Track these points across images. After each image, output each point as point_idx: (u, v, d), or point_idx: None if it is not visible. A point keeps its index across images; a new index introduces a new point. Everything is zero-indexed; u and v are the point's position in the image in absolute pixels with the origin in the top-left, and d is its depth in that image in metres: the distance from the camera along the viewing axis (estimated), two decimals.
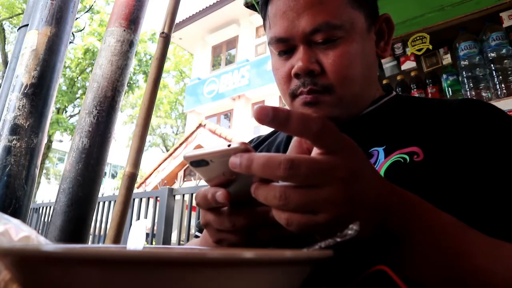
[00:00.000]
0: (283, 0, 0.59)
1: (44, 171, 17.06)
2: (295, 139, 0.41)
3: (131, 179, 1.15)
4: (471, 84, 1.54)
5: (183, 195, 3.21)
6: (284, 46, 0.60)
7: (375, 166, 0.55)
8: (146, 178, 9.51)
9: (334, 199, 0.33)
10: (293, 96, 0.61)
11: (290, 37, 0.59)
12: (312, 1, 0.57)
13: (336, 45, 0.57)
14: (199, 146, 8.83)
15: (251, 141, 0.81)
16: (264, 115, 0.32)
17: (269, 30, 0.62)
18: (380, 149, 0.56)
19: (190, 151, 0.36)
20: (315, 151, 0.35)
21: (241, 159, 0.33)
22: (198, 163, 0.37)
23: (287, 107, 0.65)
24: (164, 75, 16.98)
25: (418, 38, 1.66)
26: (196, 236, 0.72)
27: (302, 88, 0.59)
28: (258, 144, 0.78)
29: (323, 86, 0.58)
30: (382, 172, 0.54)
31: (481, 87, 1.52)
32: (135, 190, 5.09)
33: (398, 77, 1.79)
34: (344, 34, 0.57)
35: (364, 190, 0.34)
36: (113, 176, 23.00)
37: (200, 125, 9.13)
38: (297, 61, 0.58)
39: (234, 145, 0.34)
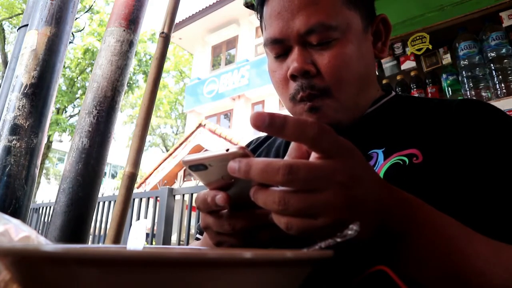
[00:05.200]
0: (278, 1, 0.58)
1: (44, 171, 17.06)
2: (294, 142, 0.41)
3: (131, 179, 1.15)
4: (471, 84, 1.54)
5: (183, 195, 3.21)
6: (279, 47, 0.60)
7: (374, 169, 0.55)
8: (146, 178, 9.51)
9: (333, 203, 0.33)
10: (294, 100, 0.60)
11: (285, 38, 0.58)
12: (307, 1, 0.56)
13: (331, 46, 0.57)
14: (199, 146, 8.83)
15: (250, 143, 0.81)
16: (261, 121, 0.32)
17: (265, 31, 0.62)
18: (379, 151, 0.56)
19: (188, 155, 0.36)
20: (314, 155, 0.35)
21: (240, 165, 0.33)
22: (196, 167, 0.37)
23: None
24: (164, 75, 16.99)
25: (418, 37, 1.66)
26: (197, 239, 0.72)
27: (301, 93, 0.58)
28: (257, 146, 0.77)
29: (320, 89, 0.57)
30: (381, 175, 0.53)
31: (481, 87, 1.52)
32: (135, 190, 5.09)
33: (398, 77, 1.79)
34: (339, 35, 0.57)
35: (364, 194, 0.34)
36: (113, 176, 23.00)
37: (200, 125, 9.12)
38: (292, 62, 0.58)
39: (233, 149, 0.34)
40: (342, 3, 0.58)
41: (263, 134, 0.81)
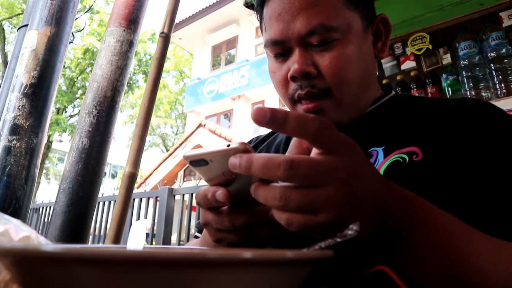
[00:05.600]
0: (278, 2, 0.58)
1: (44, 171, 17.06)
2: (295, 139, 0.41)
3: (131, 179, 1.15)
4: (471, 84, 1.54)
5: (183, 195, 3.21)
6: (280, 49, 0.60)
7: (374, 167, 0.55)
8: (146, 178, 9.51)
9: (334, 199, 0.33)
10: (293, 100, 0.60)
11: (285, 39, 0.58)
12: (307, 3, 0.56)
13: (332, 47, 0.57)
14: (199, 146, 8.83)
15: (250, 141, 0.81)
16: (262, 116, 0.32)
17: (265, 32, 0.62)
18: (379, 149, 0.56)
19: (189, 151, 0.37)
20: (315, 151, 0.35)
21: (241, 160, 0.33)
22: (197, 162, 0.37)
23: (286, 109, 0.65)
24: (164, 75, 16.99)
25: (418, 37, 1.66)
26: (196, 237, 0.72)
27: (300, 91, 0.58)
28: (258, 144, 0.78)
29: (321, 89, 0.58)
30: (381, 172, 0.53)
31: (481, 87, 1.52)
32: (135, 190, 5.09)
33: (398, 77, 1.79)
34: (340, 36, 0.57)
35: (364, 190, 0.34)
36: (113, 176, 23.00)
37: (200, 125, 9.13)
38: (293, 64, 0.58)
39: (234, 145, 0.34)
40: (342, 4, 0.58)
41: (263, 133, 0.81)
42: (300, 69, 0.57)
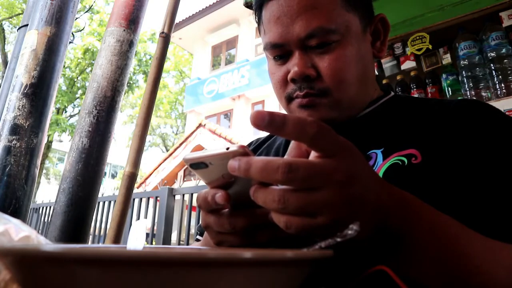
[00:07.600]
0: (277, 6, 0.58)
1: (44, 171, 17.06)
2: (293, 141, 0.41)
3: (131, 179, 1.16)
4: (470, 84, 1.54)
5: (183, 195, 3.21)
6: (280, 51, 0.60)
7: (373, 169, 0.55)
8: (146, 178, 9.51)
9: (332, 202, 0.33)
10: (289, 99, 0.61)
11: (285, 42, 0.58)
12: (306, 5, 0.56)
13: (331, 49, 0.57)
14: (199, 146, 8.83)
15: (250, 144, 0.81)
16: (260, 120, 0.32)
17: (264, 35, 0.62)
18: (378, 152, 0.56)
19: (189, 153, 0.37)
20: (313, 154, 0.35)
21: (240, 163, 0.33)
22: (197, 165, 0.37)
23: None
24: (164, 75, 16.98)
25: (417, 37, 1.66)
26: (197, 240, 0.72)
27: (298, 92, 0.59)
28: (257, 146, 0.78)
29: (319, 89, 0.58)
30: (380, 175, 0.53)
31: (480, 87, 1.52)
32: (135, 190, 5.09)
33: (398, 77, 1.79)
34: (339, 38, 0.57)
35: (363, 192, 0.34)
36: (113, 176, 23.00)
37: (200, 125, 9.13)
38: (293, 66, 0.58)
39: (233, 148, 0.34)
40: (341, 6, 0.58)
41: (263, 134, 0.81)
42: (300, 71, 0.57)
